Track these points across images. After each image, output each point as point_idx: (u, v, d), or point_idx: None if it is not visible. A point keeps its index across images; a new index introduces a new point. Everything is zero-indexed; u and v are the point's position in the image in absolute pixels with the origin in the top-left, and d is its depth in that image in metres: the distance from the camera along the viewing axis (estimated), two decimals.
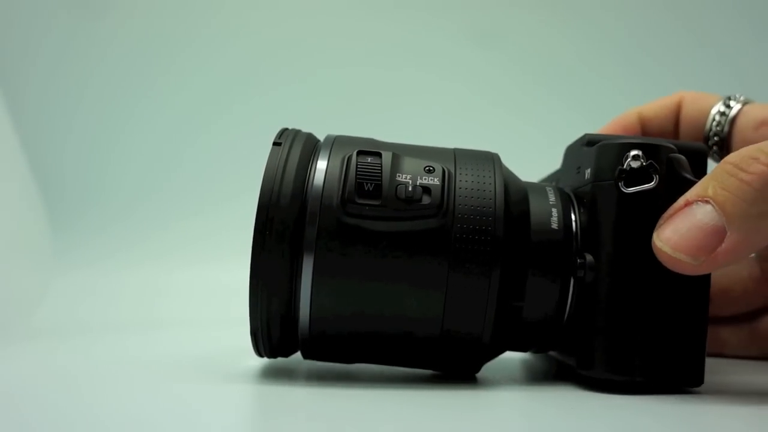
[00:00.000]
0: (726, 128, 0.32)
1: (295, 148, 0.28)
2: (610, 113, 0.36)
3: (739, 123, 0.32)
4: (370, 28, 0.76)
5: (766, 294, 0.34)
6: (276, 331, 0.27)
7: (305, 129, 0.30)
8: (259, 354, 0.28)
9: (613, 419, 0.23)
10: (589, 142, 0.29)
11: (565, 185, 0.31)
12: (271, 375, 0.29)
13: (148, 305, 0.62)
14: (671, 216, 0.25)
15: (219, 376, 0.29)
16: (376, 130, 0.32)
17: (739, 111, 0.32)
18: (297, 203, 0.26)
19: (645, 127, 0.34)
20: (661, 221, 0.25)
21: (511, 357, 0.37)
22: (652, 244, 0.25)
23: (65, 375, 0.30)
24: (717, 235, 0.24)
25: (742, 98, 0.33)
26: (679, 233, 0.24)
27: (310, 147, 0.28)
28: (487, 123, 0.72)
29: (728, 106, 0.33)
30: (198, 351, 0.37)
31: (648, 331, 0.26)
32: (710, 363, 0.27)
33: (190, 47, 0.75)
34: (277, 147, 0.28)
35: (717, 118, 0.33)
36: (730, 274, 0.35)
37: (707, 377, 0.27)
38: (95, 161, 0.74)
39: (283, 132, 0.29)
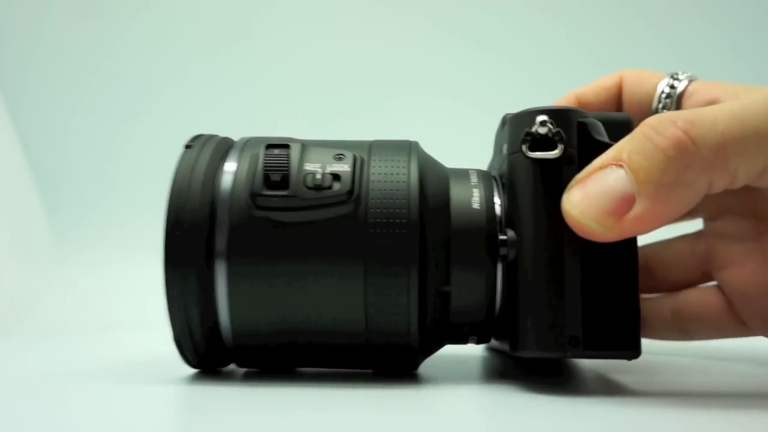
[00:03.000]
0: (674, 107, 0.30)
1: (205, 150, 0.27)
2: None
3: (687, 103, 0.30)
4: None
5: (701, 271, 0.31)
6: (200, 340, 0.26)
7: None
8: (189, 363, 0.28)
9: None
10: (506, 121, 0.28)
11: (493, 170, 0.30)
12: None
13: (149, 304, 0.63)
14: (583, 179, 0.24)
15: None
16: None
17: (686, 88, 0.30)
18: (207, 203, 0.26)
19: (584, 109, 0.32)
20: (572, 183, 0.24)
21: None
22: (561, 207, 0.24)
23: (64, 374, 0.30)
24: (626, 202, 0.23)
25: (687, 75, 0.30)
26: (588, 197, 0.23)
27: (223, 148, 0.28)
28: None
29: (673, 87, 0.30)
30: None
31: (575, 302, 0.24)
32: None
33: (191, 49, 0.75)
34: (188, 150, 0.28)
35: (663, 98, 0.31)
36: (671, 246, 0.32)
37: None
38: (95, 161, 0.75)
39: (198, 137, 0.29)
